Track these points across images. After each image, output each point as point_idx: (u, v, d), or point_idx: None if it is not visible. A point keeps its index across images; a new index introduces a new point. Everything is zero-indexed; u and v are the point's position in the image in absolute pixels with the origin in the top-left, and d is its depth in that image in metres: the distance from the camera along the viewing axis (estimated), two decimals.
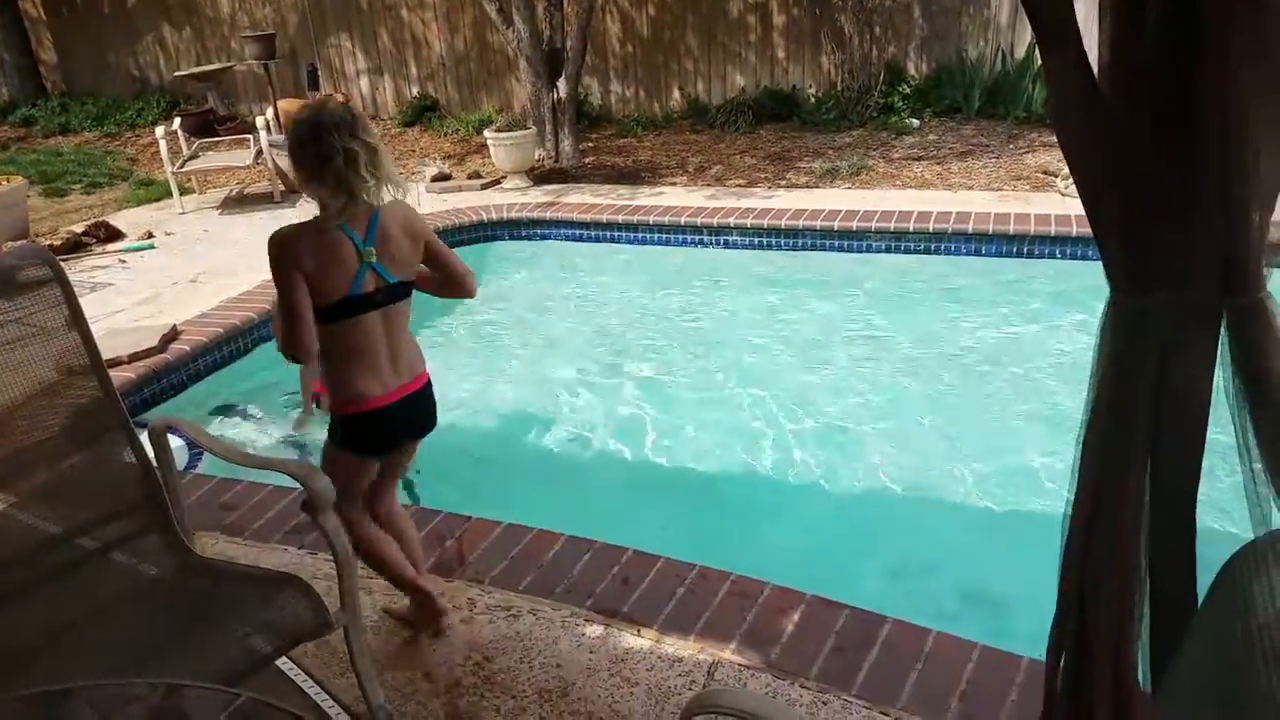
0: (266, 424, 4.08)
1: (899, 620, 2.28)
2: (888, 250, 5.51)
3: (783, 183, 6.78)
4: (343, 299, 1.98)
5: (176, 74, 9.93)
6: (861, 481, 3.42)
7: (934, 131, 7.60)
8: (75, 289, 2.09)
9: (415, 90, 9.85)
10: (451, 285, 2.24)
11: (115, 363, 3.96)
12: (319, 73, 9.23)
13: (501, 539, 2.73)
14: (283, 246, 1.96)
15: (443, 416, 4.03)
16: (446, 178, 7.35)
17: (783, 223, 5.71)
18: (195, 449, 3.32)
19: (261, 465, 2.19)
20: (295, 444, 3.82)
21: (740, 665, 2.18)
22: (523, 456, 3.79)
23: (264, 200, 7.29)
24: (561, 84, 7.44)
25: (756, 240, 5.82)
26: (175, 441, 2.41)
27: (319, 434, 3.94)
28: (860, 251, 5.56)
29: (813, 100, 8.37)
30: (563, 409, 4.10)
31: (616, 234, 6.19)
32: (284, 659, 2.17)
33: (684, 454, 3.69)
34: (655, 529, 2.94)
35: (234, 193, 7.76)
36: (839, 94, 8.17)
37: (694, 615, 2.35)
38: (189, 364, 4.29)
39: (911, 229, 5.43)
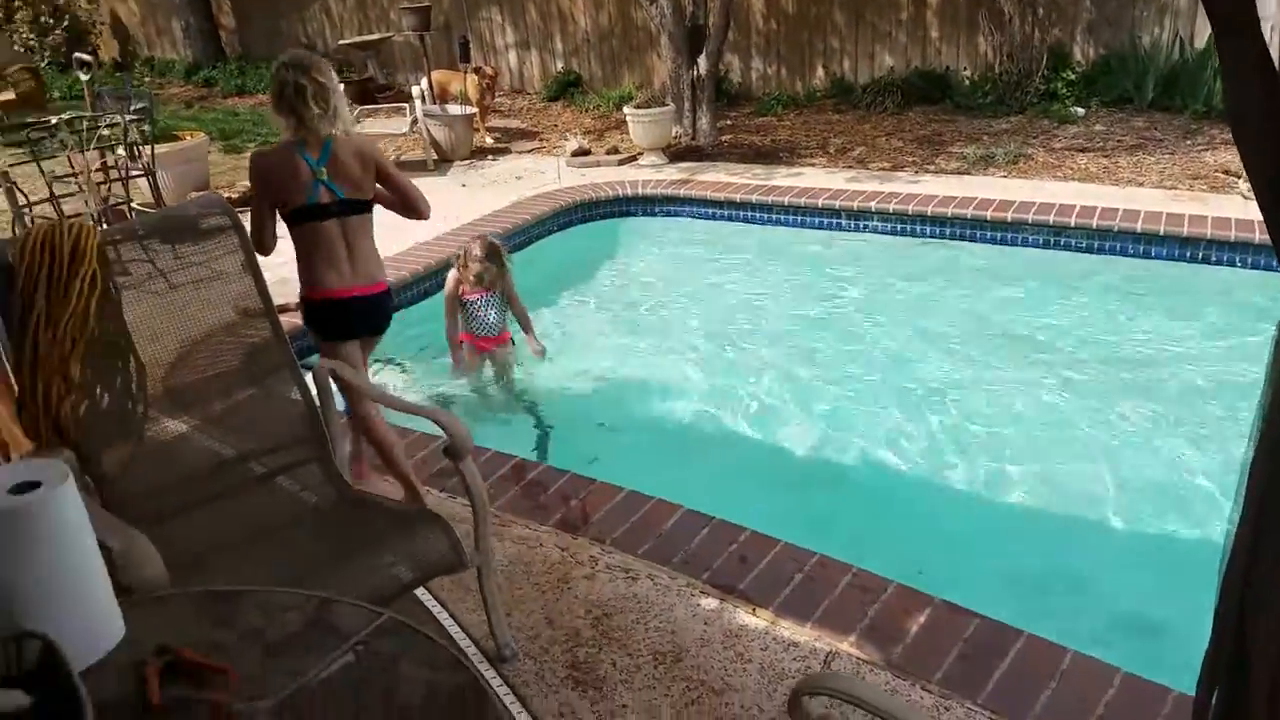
0: (416, 373, 4.33)
1: (1033, 635, 2.17)
2: (1045, 245, 5.15)
3: (930, 168, 6.47)
4: (301, 206, 2.60)
5: (340, 43, 10.55)
6: (1006, 488, 3.24)
7: (1101, 122, 7.03)
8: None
9: (560, 65, 10.05)
10: (405, 206, 2.82)
11: (284, 309, 4.24)
12: (470, 45, 9.56)
13: (623, 504, 2.78)
14: (253, 162, 2.65)
15: (572, 383, 4.16)
16: (586, 153, 7.47)
17: (929, 209, 5.44)
18: None
19: (409, 410, 2.33)
20: (441, 393, 4.03)
21: (859, 659, 2.13)
22: (647, 427, 3.83)
23: (418, 168, 7.49)
24: (702, 60, 7.38)
25: (899, 227, 5.58)
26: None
27: (464, 385, 4.13)
28: (1014, 245, 5.22)
29: (967, 83, 7.92)
30: (686, 385, 4.11)
31: (750, 214, 6.09)
32: (423, 590, 2.31)
33: (809, 441, 3.62)
34: (774, 512, 2.89)
35: (391, 159, 8.15)
36: (996, 77, 7.69)
37: (812, 603, 2.31)
38: None
39: (1073, 224, 5.06)
